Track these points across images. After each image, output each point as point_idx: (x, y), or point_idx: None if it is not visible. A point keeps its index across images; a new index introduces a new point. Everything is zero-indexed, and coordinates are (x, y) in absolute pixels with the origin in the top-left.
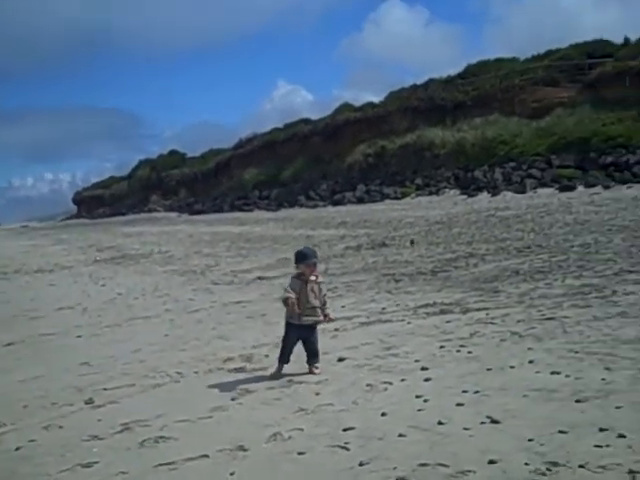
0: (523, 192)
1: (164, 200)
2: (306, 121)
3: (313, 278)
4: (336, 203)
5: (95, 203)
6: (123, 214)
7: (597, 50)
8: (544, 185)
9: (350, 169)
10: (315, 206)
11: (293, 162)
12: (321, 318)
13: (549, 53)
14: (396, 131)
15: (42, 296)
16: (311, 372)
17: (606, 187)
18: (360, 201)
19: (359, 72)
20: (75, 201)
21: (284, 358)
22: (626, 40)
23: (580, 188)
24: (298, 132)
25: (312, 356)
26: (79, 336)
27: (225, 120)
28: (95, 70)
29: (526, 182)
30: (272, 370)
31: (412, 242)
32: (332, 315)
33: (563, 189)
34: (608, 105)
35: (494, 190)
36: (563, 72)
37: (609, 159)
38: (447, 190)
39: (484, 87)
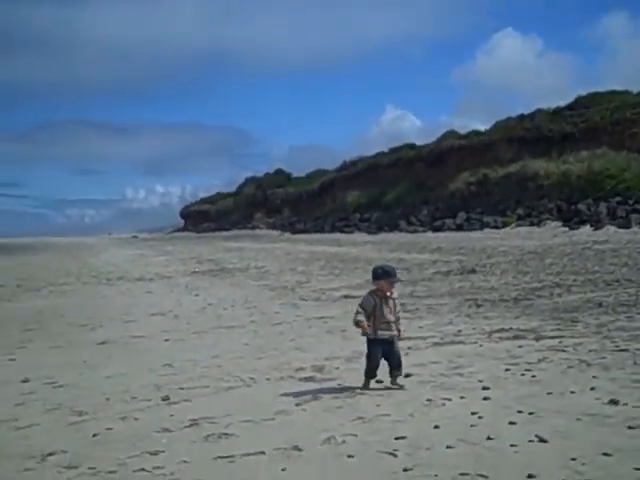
0: (627, 227)
1: (268, 218)
2: (411, 146)
3: (389, 294)
4: (436, 229)
5: (201, 217)
6: (227, 229)
7: None
8: None
9: (452, 196)
10: (415, 231)
11: (396, 186)
12: (396, 333)
13: None
14: (500, 160)
15: (139, 302)
16: (394, 382)
17: None
18: (459, 228)
19: (469, 100)
20: (182, 215)
21: (371, 373)
22: None
23: None
24: (402, 157)
25: (395, 368)
26: (166, 340)
27: (332, 143)
28: (208, 88)
29: (631, 217)
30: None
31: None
32: (403, 331)
33: None
34: None
35: (597, 224)
36: None
37: None
38: (549, 222)
39: (593, 119)
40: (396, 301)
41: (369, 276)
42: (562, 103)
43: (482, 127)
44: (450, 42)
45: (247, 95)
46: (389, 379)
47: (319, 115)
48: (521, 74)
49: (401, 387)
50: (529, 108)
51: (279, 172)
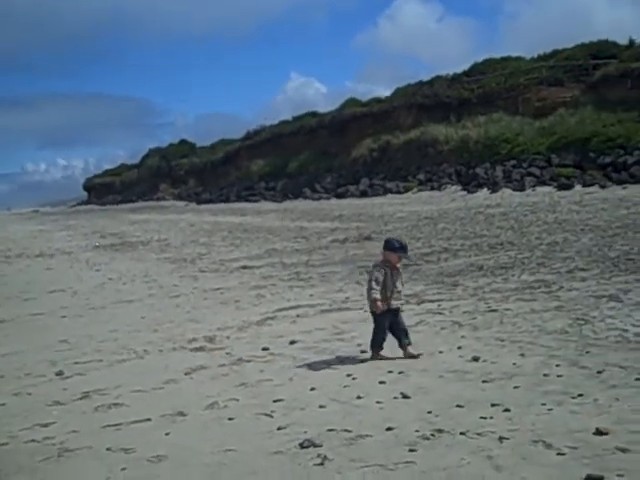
0: (522, 190)
1: (173, 189)
2: (314, 114)
3: (398, 266)
4: (340, 196)
5: (105, 190)
6: (132, 201)
7: (602, 51)
8: (543, 183)
9: (355, 163)
10: (319, 198)
11: (300, 155)
12: (404, 302)
13: (555, 53)
14: (401, 127)
15: (38, 279)
16: (407, 353)
17: (602, 187)
18: (363, 195)
19: (373, 66)
20: (86, 188)
21: (377, 344)
22: (631, 41)
23: (578, 187)
24: (305, 125)
25: (404, 336)
26: (64, 317)
27: (238, 111)
28: (110, 58)
29: (525, 180)
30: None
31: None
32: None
33: (561, 187)
34: (610, 106)
35: (494, 187)
36: (567, 72)
37: (607, 159)
38: (449, 186)
39: (489, 85)
40: (401, 272)
41: (268, 246)
42: (460, 69)
43: (386, 92)
44: (352, 9)
45: (151, 65)
46: (401, 352)
47: (225, 84)
48: (424, 39)
49: (417, 356)
50: (431, 73)
51: (183, 142)
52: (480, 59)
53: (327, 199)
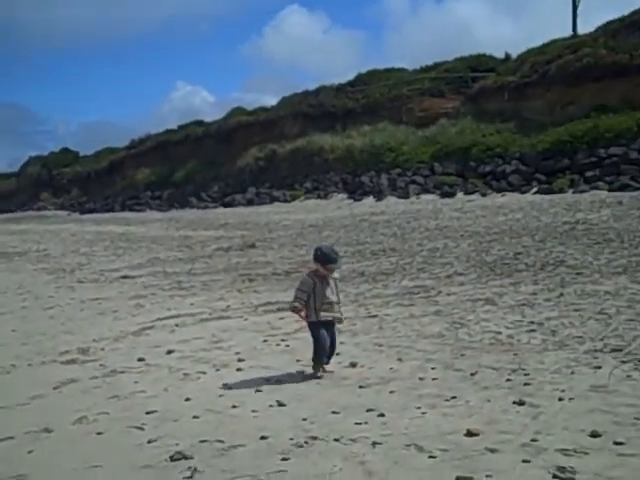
0: (406, 197)
1: (55, 199)
2: (200, 123)
3: (334, 275)
4: (226, 205)
5: None
6: (11, 211)
7: (481, 64)
8: (427, 191)
9: (241, 172)
10: (205, 207)
11: (186, 163)
12: (339, 315)
13: (436, 65)
14: (287, 136)
15: None
16: (328, 370)
17: (483, 194)
18: (250, 203)
19: (259, 76)
20: None
21: (323, 353)
22: (507, 56)
23: (460, 195)
24: (191, 134)
25: (332, 353)
26: None
27: (123, 120)
28: None
29: (410, 188)
30: (319, 373)
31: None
32: (342, 314)
33: (444, 195)
34: (488, 117)
35: (379, 195)
36: (448, 84)
37: (487, 168)
38: (335, 194)
39: (374, 96)
40: (337, 282)
41: (150, 255)
42: (345, 80)
43: (273, 102)
44: (237, 18)
45: (31, 69)
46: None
47: (110, 91)
48: (310, 50)
49: (329, 372)
50: (317, 84)
51: (65, 150)
52: (364, 70)
53: (214, 208)
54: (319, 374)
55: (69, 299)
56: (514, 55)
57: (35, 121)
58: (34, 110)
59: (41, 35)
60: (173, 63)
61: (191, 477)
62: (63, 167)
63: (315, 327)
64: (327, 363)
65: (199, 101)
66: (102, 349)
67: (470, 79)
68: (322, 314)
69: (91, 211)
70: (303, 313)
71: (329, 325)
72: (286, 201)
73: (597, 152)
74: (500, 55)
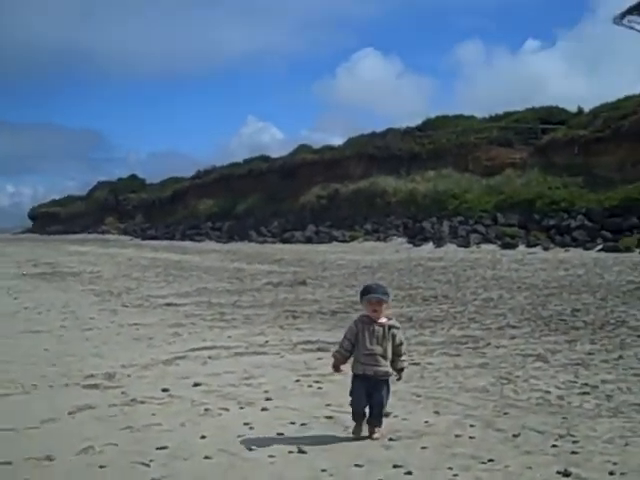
0: (467, 246)
1: (119, 223)
2: (265, 158)
3: (382, 320)
4: (285, 241)
5: (50, 220)
6: (76, 233)
7: (551, 116)
8: (488, 241)
9: (303, 209)
10: (264, 242)
11: (248, 197)
12: (386, 369)
13: (506, 115)
14: (351, 176)
15: None
16: (369, 435)
17: (546, 248)
18: (309, 241)
19: (329, 115)
20: (31, 216)
21: (355, 416)
22: (579, 109)
23: (521, 247)
24: (255, 168)
25: (373, 414)
26: None
27: (193, 152)
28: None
29: (471, 237)
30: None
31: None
32: (401, 370)
33: (505, 246)
34: (556, 170)
35: (439, 242)
36: (517, 134)
37: (552, 222)
38: (395, 237)
39: (440, 141)
40: (394, 331)
41: (199, 284)
42: (414, 124)
43: (340, 143)
44: (311, 57)
45: (107, 98)
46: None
47: (181, 123)
48: (380, 93)
49: (374, 439)
50: (385, 126)
51: (133, 177)
52: (433, 115)
53: (272, 243)
54: (352, 433)
55: (109, 322)
56: (587, 109)
57: (107, 148)
58: (108, 137)
59: (120, 64)
60: (246, 98)
61: None
62: (130, 193)
63: (353, 380)
64: (374, 426)
65: (268, 138)
66: (128, 375)
67: (540, 130)
68: (360, 367)
69: (152, 237)
70: (341, 365)
71: (369, 381)
72: (345, 241)
73: None
74: (572, 109)
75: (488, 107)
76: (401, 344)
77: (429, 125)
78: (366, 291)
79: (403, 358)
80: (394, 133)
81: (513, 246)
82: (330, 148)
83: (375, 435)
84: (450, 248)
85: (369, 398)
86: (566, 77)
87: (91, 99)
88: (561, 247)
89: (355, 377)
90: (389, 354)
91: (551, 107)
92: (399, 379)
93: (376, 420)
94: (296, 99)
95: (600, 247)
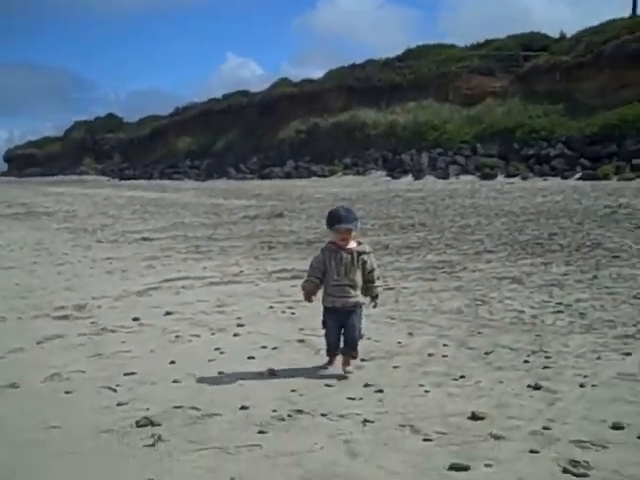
0: (445, 178)
1: (97, 164)
2: (243, 93)
3: (351, 246)
4: (264, 177)
5: (26, 162)
6: (54, 175)
7: (534, 43)
8: (467, 172)
9: (282, 144)
10: (243, 178)
11: (227, 133)
12: (356, 299)
13: (488, 43)
14: (331, 109)
15: None
16: (342, 368)
17: (524, 178)
18: (288, 176)
19: (310, 49)
20: (6, 159)
21: (329, 348)
22: (562, 35)
23: (500, 177)
24: (234, 104)
25: (346, 345)
26: None
27: (173, 89)
28: (41, 27)
29: (450, 168)
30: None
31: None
32: (375, 298)
33: (484, 177)
34: (537, 97)
35: (418, 174)
36: (499, 62)
37: (531, 151)
38: (374, 171)
39: (421, 71)
40: (365, 257)
41: (175, 219)
42: (394, 55)
43: (320, 76)
44: None
45: (86, 37)
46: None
47: (161, 61)
48: (361, 26)
49: (346, 373)
50: (366, 58)
51: (111, 116)
52: (414, 45)
53: (251, 179)
54: (325, 365)
55: (82, 257)
56: (569, 35)
57: (86, 88)
58: (86, 77)
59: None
60: (224, 34)
61: (153, 445)
62: (107, 133)
63: (324, 313)
64: (348, 357)
65: (248, 73)
66: (99, 307)
67: (521, 58)
68: (329, 299)
69: (130, 178)
70: (309, 292)
71: (340, 313)
72: (324, 176)
73: None
74: (555, 34)
75: (471, 37)
76: (373, 270)
77: (410, 55)
78: (334, 219)
79: (377, 284)
80: (374, 64)
81: (492, 177)
82: (310, 81)
83: (348, 368)
84: (429, 180)
85: (341, 329)
86: (550, 2)
87: (70, 38)
88: (540, 176)
89: (326, 310)
90: (359, 283)
91: (533, 33)
92: (375, 306)
93: (350, 351)
94: (276, 34)
95: (579, 175)
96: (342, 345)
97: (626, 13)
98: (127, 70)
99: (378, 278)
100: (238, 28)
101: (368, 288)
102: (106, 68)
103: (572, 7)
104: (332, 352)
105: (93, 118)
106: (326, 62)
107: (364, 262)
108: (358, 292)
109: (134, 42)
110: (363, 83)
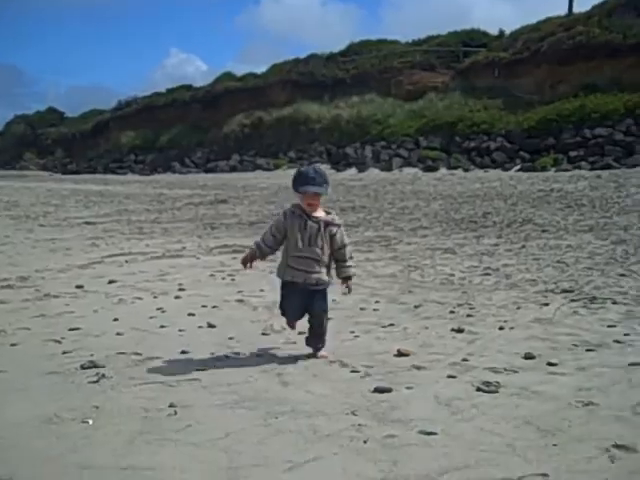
0: (389, 170)
1: (39, 159)
2: (187, 87)
3: (319, 215)
4: (209, 171)
5: None
6: None
7: (473, 39)
8: (410, 165)
9: (226, 139)
10: (188, 173)
11: (171, 128)
12: (319, 276)
13: (429, 39)
14: (274, 103)
15: None
16: (313, 353)
17: (466, 170)
18: (233, 170)
19: (255, 46)
20: None
21: (288, 319)
22: (500, 32)
23: (443, 170)
24: (178, 98)
25: (312, 334)
26: None
27: (115, 85)
28: None
29: (393, 161)
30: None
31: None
32: (347, 277)
33: (427, 169)
34: (477, 92)
35: (362, 166)
36: (440, 58)
37: (472, 144)
38: (318, 164)
39: (364, 66)
40: (332, 228)
41: (119, 207)
42: (335, 49)
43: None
44: None
45: (25, 31)
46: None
47: (104, 56)
48: (306, 22)
49: (314, 356)
50: (309, 53)
51: (51, 110)
52: (356, 40)
53: (196, 174)
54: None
55: (24, 238)
56: (508, 32)
57: (26, 83)
58: (26, 71)
59: None
60: (168, 30)
61: (97, 382)
62: (48, 127)
63: (282, 288)
64: (313, 344)
65: (192, 69)
66: (43, 278)
67: (462, 54)
68: (288, 272)
69: (73, 172)
70: (248, 258)
71: (301, 291)
72: (269, 169)
73: (583, 132)
74: (494, 32)
75: (413, 33)
76: (344, 246)
77: (352, 50)
78: (302, 179)
79: (349, 264)
80: (317, 59)
81: (435, 169)
82: (254, 75)
83: (319, 354)
84: (373, 172)
85: (303, 312)
86: (491, 1)
87: (7, 32)
88: (481, 168)
89: (283, 285)
90: (324, 259)
91: (473, 30)
92: (349, 291)
93: (317, 340)
94: (220, 30)
95: (518, 168)
96: (307, 333)
97: (562, 11)
98: (67, 66)
99: (351, 257)
100: (182, 24)
101: (339, 268)
102: (46, 63)
103: (512, 6)
104: (291, 320)
105: (33, 112)
106: (271, 58)
107: (333, 235)
108: (323, 270)
109: (73, 37)
110: (307, 78)
